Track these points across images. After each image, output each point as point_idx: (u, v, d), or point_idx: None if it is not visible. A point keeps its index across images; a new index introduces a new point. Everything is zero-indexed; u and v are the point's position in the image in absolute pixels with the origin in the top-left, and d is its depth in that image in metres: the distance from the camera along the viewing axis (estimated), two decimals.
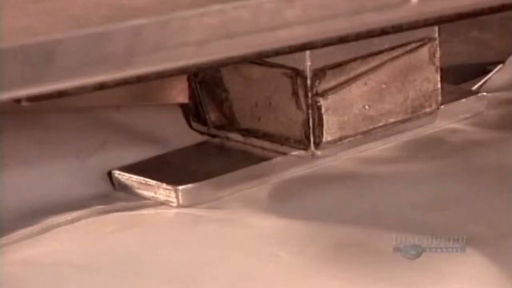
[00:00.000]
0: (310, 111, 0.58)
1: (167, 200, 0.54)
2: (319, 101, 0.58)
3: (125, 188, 0.56)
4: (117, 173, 0.56)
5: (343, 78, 0.59)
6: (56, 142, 0.55)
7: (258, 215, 0.52)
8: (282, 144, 0.60)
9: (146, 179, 0.55)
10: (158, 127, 0.60)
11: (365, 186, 0.55)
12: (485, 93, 0.64)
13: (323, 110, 0.58)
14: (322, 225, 0.51)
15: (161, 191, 0.55)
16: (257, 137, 0.61)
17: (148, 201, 0.54)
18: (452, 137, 0.61)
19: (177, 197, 0.54)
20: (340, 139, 0.59)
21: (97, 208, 0.53)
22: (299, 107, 0.59)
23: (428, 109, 0.61)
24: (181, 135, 0.60)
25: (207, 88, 0.62)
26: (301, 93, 0.58)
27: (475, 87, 0.66)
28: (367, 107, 0.60)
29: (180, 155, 0.59)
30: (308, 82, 0.58)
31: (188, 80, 0.62)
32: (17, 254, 0.47)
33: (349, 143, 0.60)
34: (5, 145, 0.54)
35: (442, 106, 0.62)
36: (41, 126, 0.56)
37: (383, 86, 0.61)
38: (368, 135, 0.61)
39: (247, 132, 0.61)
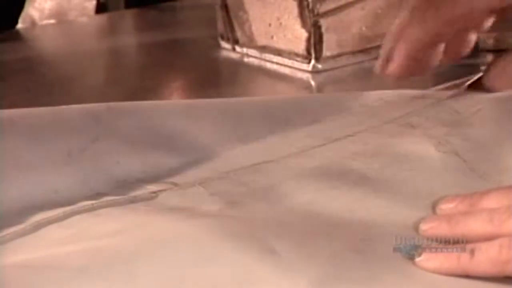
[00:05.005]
0: (312, 30, 0.69)
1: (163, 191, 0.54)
2: (319, 21, 0.68)
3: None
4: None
5: (342, 2, 0.69)
6: (46, 139, 0.55)
7: (257, 205, 0.52)
8: (289, 59, 0.72)
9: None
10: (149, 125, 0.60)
11: None
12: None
13: (323, 29, 0.69)
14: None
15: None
16: (270, 53, 0.74)
17: (143, 194, 0.54)
18: None
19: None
20: (339, 55, 0.71)
21: (89, 204, 0.52)
22: (303, 26, 0.69)
23: None
24: None
25: (232, 11, 0.76)
26: (305, 14, 0.69)
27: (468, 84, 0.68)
28: (364, 28, 0.70)
29: None
30: (310, 4, 0.68)
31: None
32: (10, 256, 0.46)
33: (347, 58, 0.71)
34: None
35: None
36: (32, 123, 0.55)
37: (379, 11, 0.70)
38: (365, 53, 0.71)
39: (263, 49, 0.74)
